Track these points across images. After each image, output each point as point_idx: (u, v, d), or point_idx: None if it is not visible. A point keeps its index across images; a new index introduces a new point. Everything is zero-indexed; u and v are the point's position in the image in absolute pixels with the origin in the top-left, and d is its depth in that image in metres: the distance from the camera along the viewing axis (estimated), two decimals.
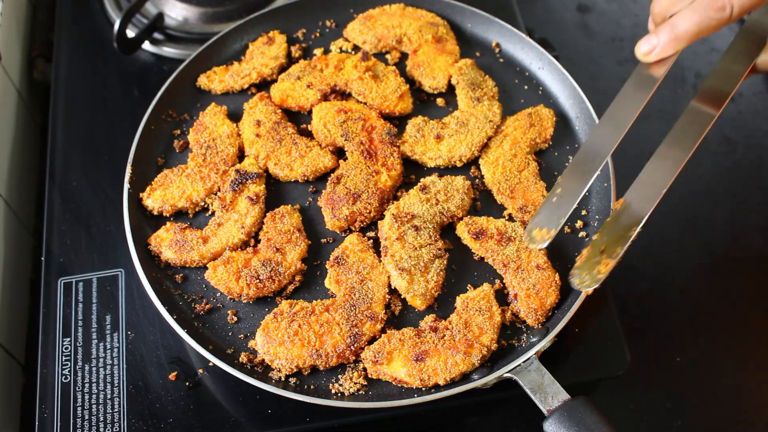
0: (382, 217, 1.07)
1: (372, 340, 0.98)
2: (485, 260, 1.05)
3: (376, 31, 1.26)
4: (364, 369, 0.96)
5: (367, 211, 1.06)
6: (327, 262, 1.03)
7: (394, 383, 0.95)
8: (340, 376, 0.96)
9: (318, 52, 1.27)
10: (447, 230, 1.08)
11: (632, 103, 0.98)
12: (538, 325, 0.99)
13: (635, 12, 1.53)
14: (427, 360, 0.94)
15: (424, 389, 0.94)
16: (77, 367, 1.04)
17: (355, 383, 0.95)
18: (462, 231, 1.06)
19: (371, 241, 1.06)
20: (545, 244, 0.95)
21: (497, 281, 1.03)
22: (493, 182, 1.11)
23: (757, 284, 1.28)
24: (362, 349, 0.96)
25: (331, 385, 0.96)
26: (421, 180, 1.09)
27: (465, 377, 0.95)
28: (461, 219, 1.06)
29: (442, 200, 1.06)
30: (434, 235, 1.03)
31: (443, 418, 1.12)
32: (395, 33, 1.25)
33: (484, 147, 1.14)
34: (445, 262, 1.03)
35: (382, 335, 0.97)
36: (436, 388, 0.94)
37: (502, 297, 1.02)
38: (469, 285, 1.03)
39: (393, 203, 1.07)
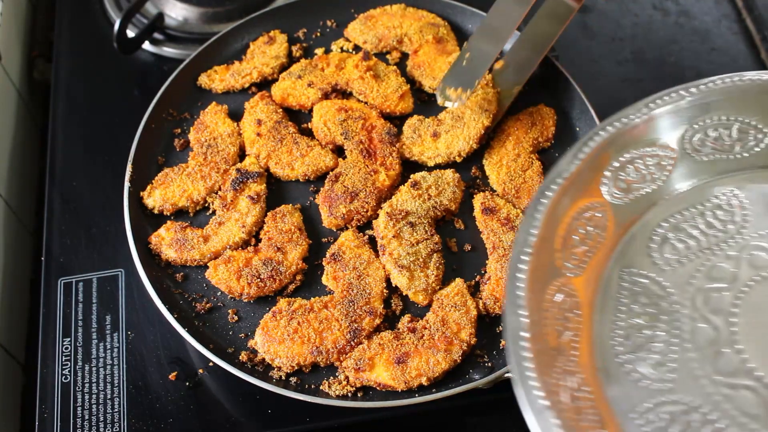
0: (376, 216, 1.07)
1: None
2: (480, 235, 1.06)
3: (377, 31, 1.26)
4: (347, 378, 0.95)
5: (365, 210, 1.06)
6: (324, 259, 1.03)
7: (379, 389, 0.95)
8: (339, 377, 0.96)
9: (319, 51, 1.27)
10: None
11: None
12: (494, 313, 1.00)
13: (635, 12, 1.53)
14: (409, 361, 0.94)
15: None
16: (77, 367, 1.03)
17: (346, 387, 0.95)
18: (477, 201, 1.08)
19: (367, 237, 1.06)
20: (460, 103, 1.07)
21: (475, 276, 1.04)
22: (498, 183, 1.11)
23: None
24: (361, 344, 0.96)
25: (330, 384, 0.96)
26: (411, 176, 1.09)
27: (459, 377, 0.95)
28: (454, 211, 1.08)
29: (434, 195, 1.07)
30: (429, 230, 1.04)
31: (443, 418, 1.11)
32: (396, 33, 1.25)
33: (487, 148, 1.14)
34: (442, 255, 1.04)
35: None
36: (437, 387, 0.94)
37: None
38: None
39: (386, 202, 1.07)
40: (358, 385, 0.95)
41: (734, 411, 0.75)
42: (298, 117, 1.20)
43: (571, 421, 0.72)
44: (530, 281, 0.78)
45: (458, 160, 1.12)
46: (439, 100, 1.09)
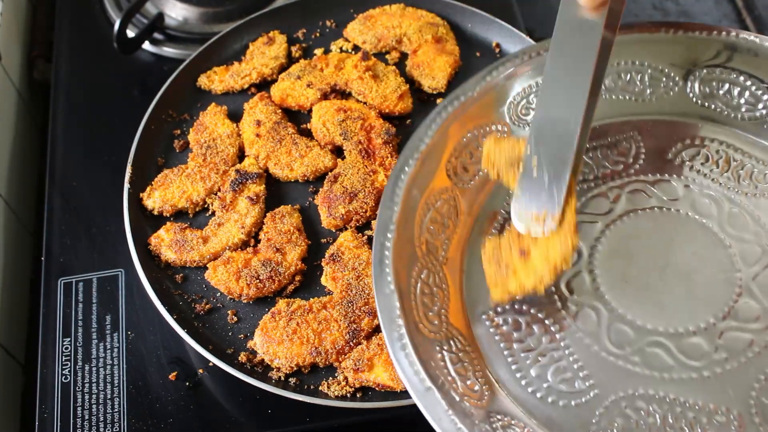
0: (375, 216, 1.07)
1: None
2: None
3: (376, 31, 1.26)
4: (346, 378, 0.95)
5: (363, 210, 1.06)
6: (323, 259, 1.03)
7: (378, 389, 0.95)
8: (338, 378, 0.97)
9: (318, 51, 1.27)
10: None
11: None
12: None
13: (635, 12, 1.54)
14: None
15: None
16: (77, 367, 1.04)
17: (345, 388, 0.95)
18: None
19: (366, 237, 1.06)
20: (551, 229, 0.77)
21: None
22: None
23: None
24: (360, 344, 0.96)
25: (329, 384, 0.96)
26: None
27: None
28: None
29: None
30: None
31: None
32: (395, 33, 1.25)
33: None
34: None
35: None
36: None
37: None
38: None
39: None
40: (357, 386, 0.95)
41: (579, 332, 0.83)
42: (297, 117, 1.20)
43: (415, 310, 0.81)
44: (412, 185, 0.86)
45: (567, 267, 0.78)
46: (522, 230, 0.79)
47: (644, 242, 0.88)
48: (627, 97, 0.96)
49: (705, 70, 0.94)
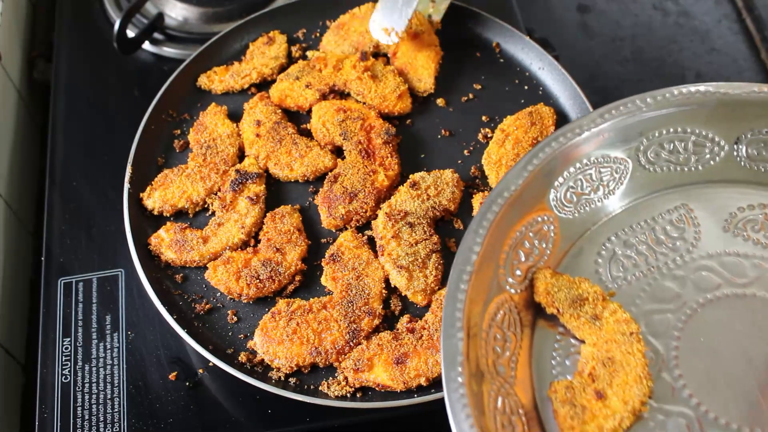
0: (375, 216, 1.07)
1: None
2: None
3: (351, 39, 1.24)
4: (346, 378, 0.95)
5: (363, 210, 1.06)
6: (323, 259, 1.03)
7: (377, 389, 0.95)
8: (338, 378, 0.97)
9: (318, 52, 1.27)
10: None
11: None
12: None
13: (635, 12, 1.53)
14: (408, 362, 0.94)
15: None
16: (77, 367, 1.04)
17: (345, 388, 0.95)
18: (476, 201, 1.09)
19: (366, 237, 1.06)
20: (394, 41, 1.16)
21: None
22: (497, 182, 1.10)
23: None
24: (360, 344, 0.96)
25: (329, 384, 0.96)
26: (410, 176, 1.09)
27: None
28: (453, 211, 1.07)
29: (432, 195, 1.06)
30: (428, 230, 1.04)
31: (442, 419, 1.11)
32: (370, 37, 1.22)
33: (485, 148, 1.14)
34: (441, 255, 1.03)
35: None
36: (436, 387, 0.94)
37: None
38: None
39: (385, 202, 1.07)
40: (357, 386, 0.95)
41: None
42: (297, 117, 1.20)
43: None
44: (470, 300, 0.76)
45: (646, 411, 0.79)
46: (375, 36, 1.19)
47: (724, 333, 0.80)
48: (671, 168, 0.90)
49: (751, 132, 0.88)
